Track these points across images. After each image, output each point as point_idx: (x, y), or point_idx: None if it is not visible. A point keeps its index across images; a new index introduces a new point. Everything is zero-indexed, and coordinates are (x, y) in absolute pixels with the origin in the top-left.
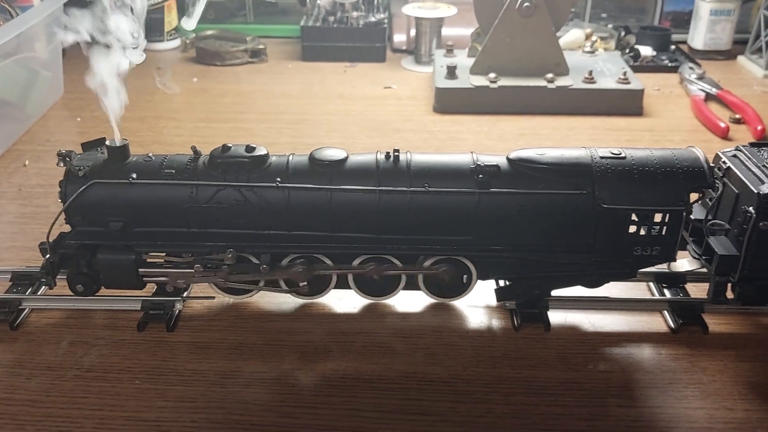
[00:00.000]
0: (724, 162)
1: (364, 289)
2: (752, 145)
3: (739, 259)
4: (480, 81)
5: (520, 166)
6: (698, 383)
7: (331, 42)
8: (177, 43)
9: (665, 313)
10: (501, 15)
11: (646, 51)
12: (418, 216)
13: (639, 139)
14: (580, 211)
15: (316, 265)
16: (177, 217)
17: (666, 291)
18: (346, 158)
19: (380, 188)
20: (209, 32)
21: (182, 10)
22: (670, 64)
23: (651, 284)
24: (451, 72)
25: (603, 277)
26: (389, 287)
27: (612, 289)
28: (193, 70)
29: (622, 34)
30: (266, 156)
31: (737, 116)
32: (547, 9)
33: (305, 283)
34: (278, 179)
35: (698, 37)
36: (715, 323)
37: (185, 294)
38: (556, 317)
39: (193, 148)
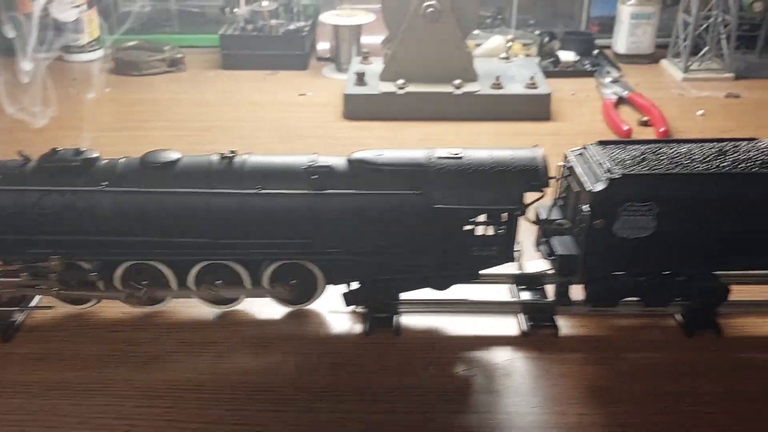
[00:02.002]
0: (569, 161)
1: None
2: (600, 143)
3: (578, 258)
4: (388, 87)
5: (358, 167)
6: (540, 387)
7: (251, 50)
8: (99, 54)
9: (521, 316)
10: (407, 21)
11: (567, 56)
12: (253, 219)
13: (542, 144)
14: (416, 211)
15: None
16: (3, 223)
17: (524, 293)
18: (178, 160)
19: (209, 191)
20: (130, 43)
21: (104, 21)
22: (590, 69)
23: (511, 287)
24: (361, 79)
25: (447, 279)
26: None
27: (471, 292)
28: (109, 81)
29: (546, 40)
30: (95, 159)
31: (645, 118)
32: (453, 14)
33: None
34: (105, 183)
35: (620, 41)
36: (567, 326)
37: (32, 304)
38: (411, 321)
39: (21, 153)
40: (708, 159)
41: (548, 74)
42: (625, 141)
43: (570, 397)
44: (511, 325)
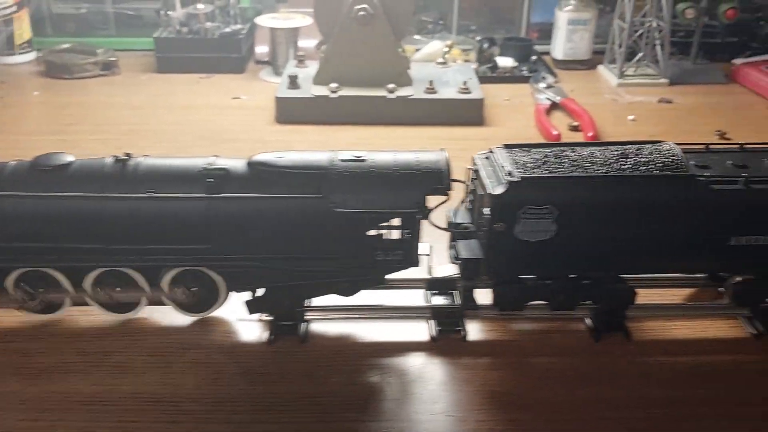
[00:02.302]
0: (475, 164)
1: (108, 305)
2: (505, 146)
3: (481, 262)
4: (321, 91)
5: (258, 170)
6: (445, 393)
7: (186, 53)
8: (31, 56)
9: (430, 321)
10: (339, 24)
11: (505, 62)
12: (147, 224)
13: (473, 148)
14: (317, 216)
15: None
16: None
17: (436, 298)
18: (71, 163)
19: (98, 194)
20: (63, 45)
21: (35, 23)
22: (528, 75)
23: (425, 291)
24: (293, 82)
25: (353, 284)
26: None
27: (384, 297)
28: (39, 84)
29: (485, 45)
30: None
31: (575, 123)
32: (386, 18)
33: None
34: None
35: (558, 47)
36: (476, 330)
37: None
38: (320, 328)
39: None
40: (609, 162)
41: (486, 80)
42: (531, 144)
43: (473, 403)
44: (421, 331)
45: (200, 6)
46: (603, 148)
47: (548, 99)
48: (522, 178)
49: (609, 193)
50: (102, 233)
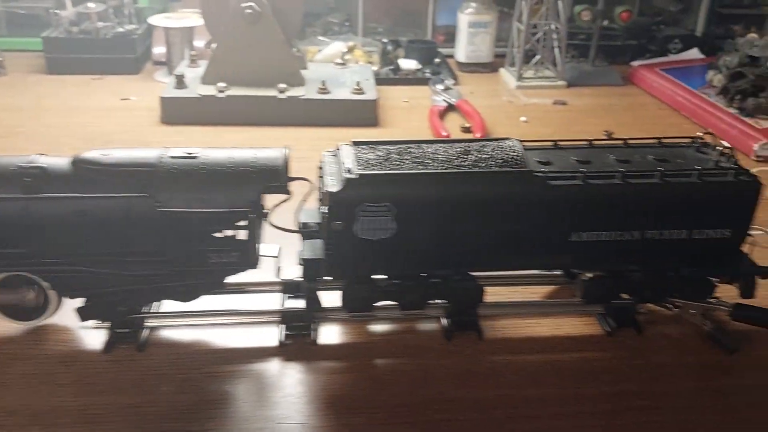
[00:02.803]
0: (323, 161)
1: None
2: (354, 143)
3: (322, 263)
4: (208, 90)
5: (83, 169)
6: (283, 399)
7: (77, 54)
8: None
9: (280, 325)
10: (226, 22)
11: (408, 64)
12: None
13: None
14: (144, 216)
15: None
16: None
17: (291, 301)
18: None
19: None
20: None
21: None
22: (428, 77)
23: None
24: (180, 82)
25: (191, 288)
26: None
27: (238, 301)
28: None
29: (389, 48)
30: None
31: (468, 125)
32: (275, 16)
33: None
34: None
35: (461, 50)
36: (329, 333)
37: None
38: (165, 335)
39: None
40: (451, 159)
41: (388, 82)
42: (378, 141)
43: (312, 409)
44: (271, 336)
45: (91, 5)
46: (448, 145)
47: (445, 101)
48: (359, 175)
49: (446, 189)
50: None
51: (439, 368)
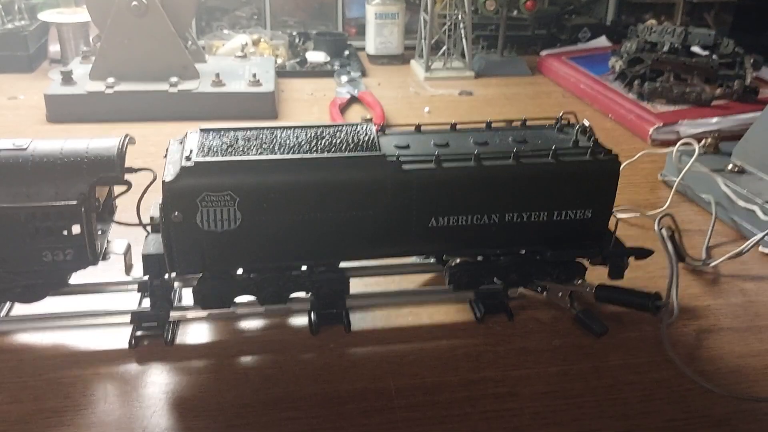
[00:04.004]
0: (168, 150)
1: None
2: (201, 130)
3: (162, 258)
4: (96, 86)
5: None
6: (125, 404)
7: None
8: None
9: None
10: (113, 15)
11: (316, 57)
12: None
13: None
14: None
15: None
16: None
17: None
18: None
19: None
20: None
21: None
22: (334, 69)
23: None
24: (67, 78)
25: (31, 289)
26: None
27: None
28: None
29: (297, 40)
30: None
31: (369, 116)
32: (164, 9)
33: None
34: None
35: (370, 42)
36: (188, 333)
37: None
38: (11, 340)
39: None
40: (301, 144)
41: (295, 74)
42: (228, 128)
43: (161, 412)
44: (124, 338)
45: None
46: (301, 130)
47: (348, 92)
48: (195, 162)
49: (291, 175)
50: None
51: (297, 364)
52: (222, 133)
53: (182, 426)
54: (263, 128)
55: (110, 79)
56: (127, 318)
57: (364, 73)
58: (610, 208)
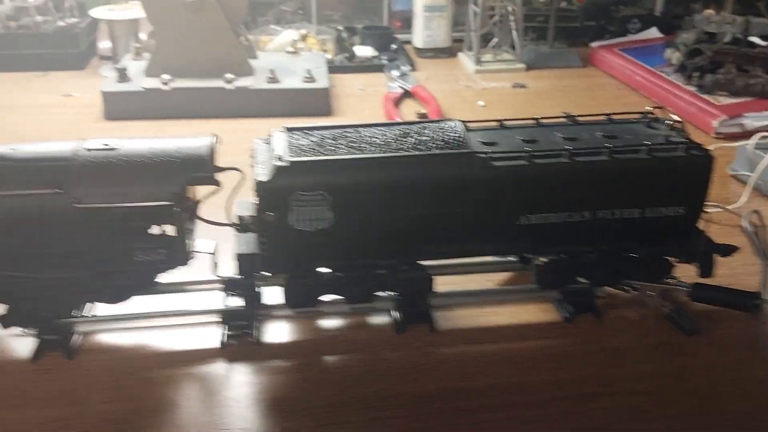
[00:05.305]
0: (254, 149)
1: None
2: (287, 129)
3: (256, 257)
4: (152, 83)
5: None
6: (221, 403)
7: (16, 50)
8: None
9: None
10: (168, 11)
11: (364, 51)
12: None
13: None
14: (58, 213)
15: None
16: None
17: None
18: None
19: None
20: None
21: None
22: (383, 64)
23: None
24: (123, 75)
25: (119, 290)
26: None
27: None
28: None
29: (344, 35)
30: None
31: (423, 111)
32: (218, 4)
33: None
34: None
35: (418, 35)
36: (274, 332)
37: None
38: (98, 340)
39: None
40: (389, 142)
41: (343, 69)
42: (313, 127)
43: (257, 412)
44: (210, 337)
45: None
46: (387, 128)
47: (400, 87)
48: (290, 162)
49: (383, 174)
50: None
51: (385, 363)
52: (308, 132)
53: (277, 426)
54: (347, 126)
55: (166, 76)
56: (215, 317)
57: (413, 67)
58: (702, 205)
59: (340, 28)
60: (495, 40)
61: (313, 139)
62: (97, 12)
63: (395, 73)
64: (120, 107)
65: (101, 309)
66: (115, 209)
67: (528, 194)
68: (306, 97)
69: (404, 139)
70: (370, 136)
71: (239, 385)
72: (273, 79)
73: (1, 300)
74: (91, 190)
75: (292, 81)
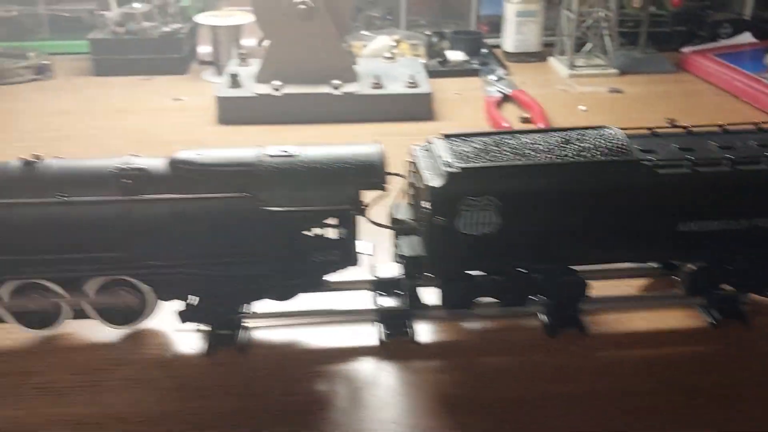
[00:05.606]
0: (414, 156)
1: (25, 320)
2: (445, 136)
3: (424, 259)
4: (263, 89)
5: (179, 169)
6: (394, 399)
7: (124, 55)
8: None
9: (379, 324)
10: (279, 19)
11: (455, 56)
12: (59, 231)
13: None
14: (244, 216)
15: None
16: None
17: (383, 299)
18: None
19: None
20: None
21: None
22: (478, 68)
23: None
24: (235, 81)
25: (289, 288)
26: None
27: (329, 300)
28: None
29: (434, 40)
30: None
31: (527, 115)
32: (327, 12)
33: None
34: None
35: (508, 39)
36: (426, 331)
37: None
38: (260, 336)
39: None
40: (551, 149)
41: (436, 74)
42: (470, 133)
43: (423, 409)
44: (366, 335)
45: (137, 5)
46: (544, 134)
47: (499, 91)
48: (461, 168)
49: (552, 180)
50: (9, 243)
51: (544, 365)
52: (467, 138)
53: (458, 422)
54: (503, 133)
55: (276, 82)
56: (372, 316)
57: (508, 72)
58: None
59: (429, 33)
60: (589, 45)
61: (476, 145)
62: (202, 18)
63: (492, 77)
64: (233, 112)
65: (262, 306)
66: (296, 212)
67: (690, 202)
68: (410, 102)
69: (566, 146)
70: (531, 143)
71: (404, 382)
72: (377, 85)
73: (182, 296)
74: (275, 194)
75: (396, 86)
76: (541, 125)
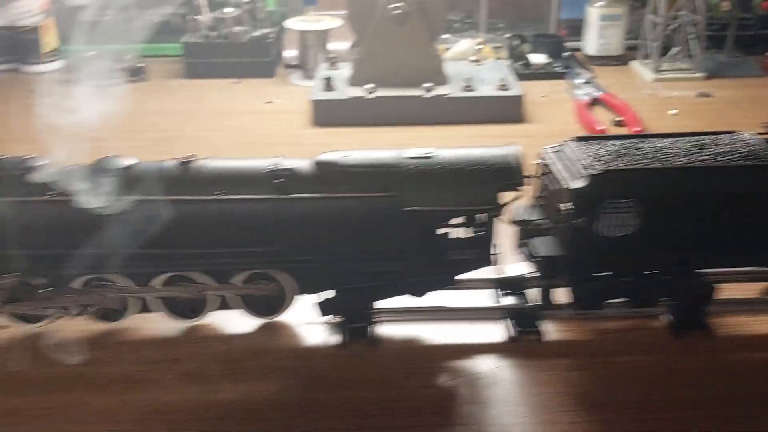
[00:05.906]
0: (545, 158)
1: (174, 310)
2: (578, 139)
3: (561, 260)
4: (357, 92)
5: (325, 170)
6: (526, 395)
7: (215, 58)
8: (58, 64)
9: (507, 321)
10: (374, 24)
11: (538, 59)
12: (215, 227)
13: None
14: (387, 215)
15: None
16: None
17: (506, 298)
18: (133, 166)
19: (163, 197)
20: (89, 53)
21: (62, 31)
22: (561, 71)
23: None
24: (329, 84)
25: (423, 285)
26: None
27: (452, 298)
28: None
29: (515, 43)
30: (40, 167)
31: (619, 118)
32: (420, 16)
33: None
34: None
35: (590, 43)
36: (552, 330)
37: None
38: (390, 330)
39: None
40: (688, 153)
41: (519, 77)
42: (603, 137)
43: (558, 405)
44: (493, 332)
45: (228, 10)
46: (677, 139)
47: (587, 95)
48: (604, 170)
49: (692, 185)
50: (169, 237)
51: (672, 366)
52: (600, 142)
53: (598, 418)
54: (634, 137)
55: (369, 85)
56: (497, 315)
57: (593, 75)
58: None
59: (509, 35)
60: (675, 48)
61: (611, 149)
62: (291, 23)
63: (579, 80)
64: (327, 114)
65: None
66: (436, 212)
67: None
68: (501, 105)
69: (701, 151)
70: (665, 147)
71: (532, 379)
72: (468, 88)
73: (321, 289)
74: (417, 194)
75: (486, 89)
76: (638, 129)
